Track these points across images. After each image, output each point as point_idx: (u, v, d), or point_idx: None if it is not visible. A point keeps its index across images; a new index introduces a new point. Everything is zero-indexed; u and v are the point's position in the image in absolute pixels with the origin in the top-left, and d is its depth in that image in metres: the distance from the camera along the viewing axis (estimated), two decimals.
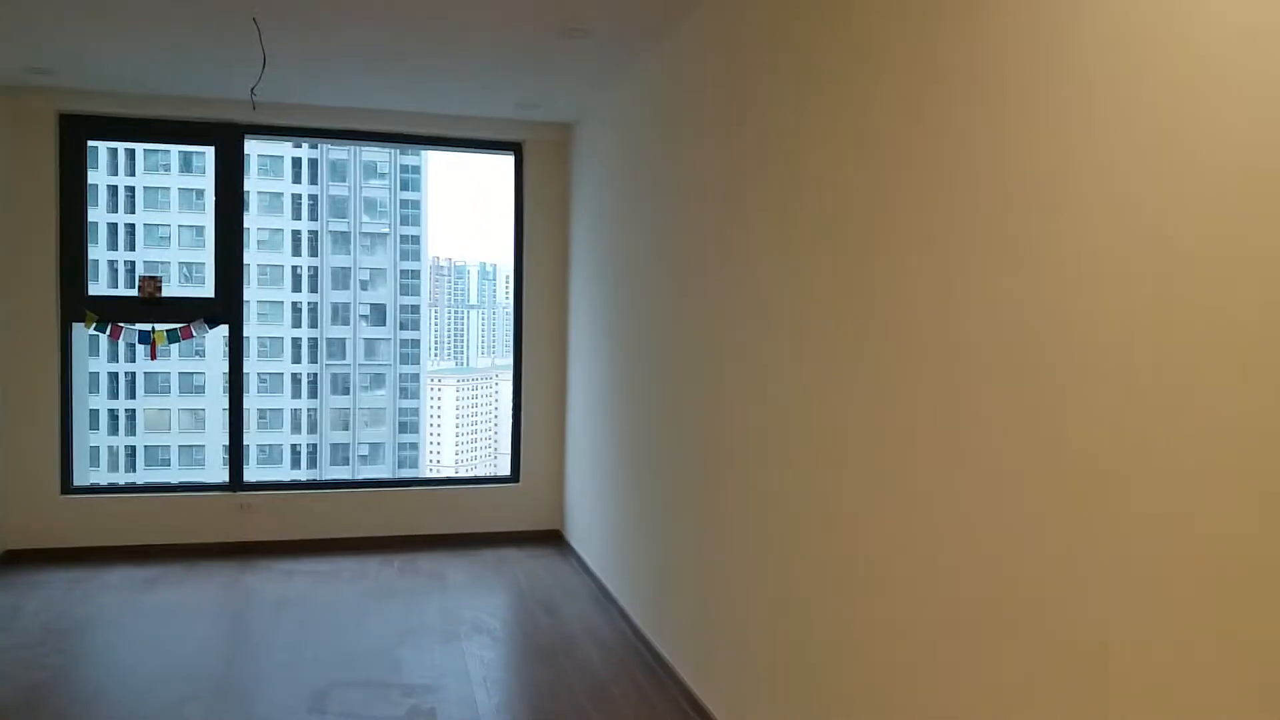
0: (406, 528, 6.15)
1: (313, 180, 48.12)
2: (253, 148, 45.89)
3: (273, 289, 46.39)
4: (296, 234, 47.54)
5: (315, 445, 47.47)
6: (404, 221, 51.08)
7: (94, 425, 42.86)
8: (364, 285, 49.67)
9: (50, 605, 4.82)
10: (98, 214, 42.25)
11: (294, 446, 46.63)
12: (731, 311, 3.36)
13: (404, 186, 51.14)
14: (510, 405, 6.42)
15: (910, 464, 2.22)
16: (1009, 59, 1.88)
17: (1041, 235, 1.78)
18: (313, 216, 48.04)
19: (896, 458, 2.28)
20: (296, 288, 47.30)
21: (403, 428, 50.62)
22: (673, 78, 4.04)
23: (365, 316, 49.61)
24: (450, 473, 57.02)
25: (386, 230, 50.37)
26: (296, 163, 47.57)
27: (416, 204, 51.65)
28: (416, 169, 51.60)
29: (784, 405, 2.93)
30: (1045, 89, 1.78)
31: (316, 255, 48.09)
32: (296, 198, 47.55)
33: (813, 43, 2.75)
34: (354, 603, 4.97)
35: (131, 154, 43.02)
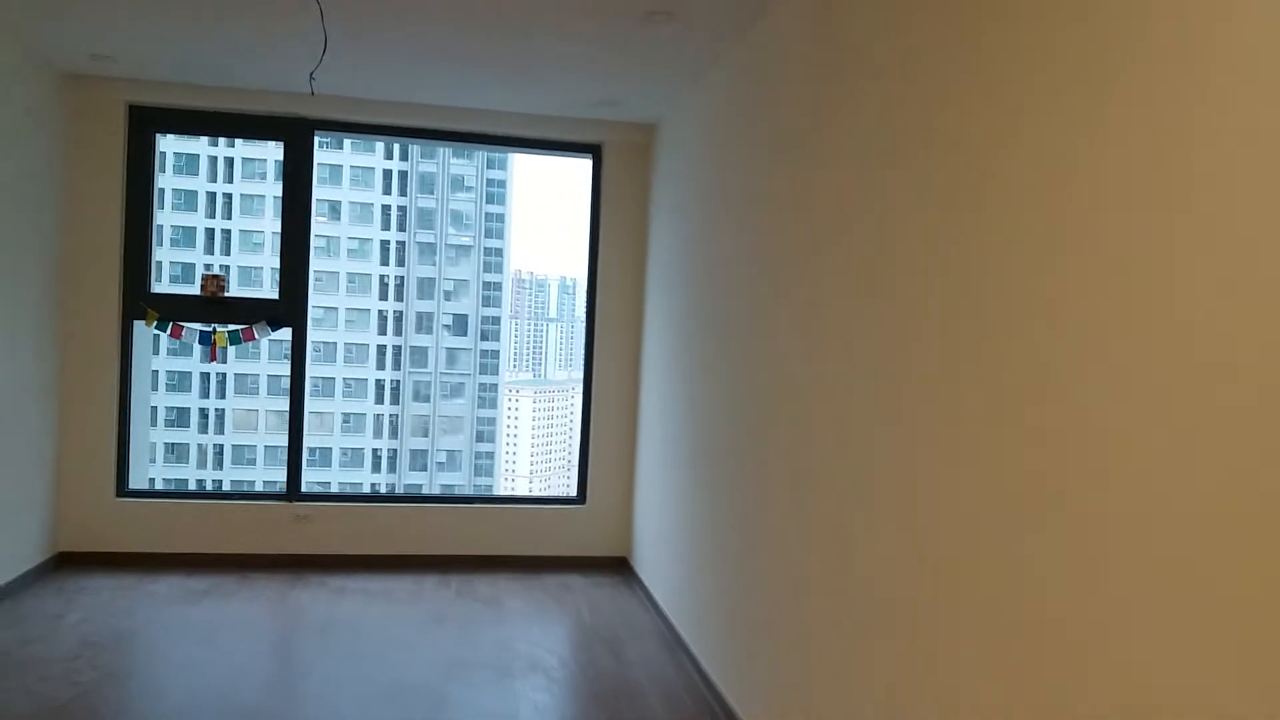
0: (466, 547, 5.83)
1: (402, 192, 49.02)
2: (345, 159, 47.08)
3: (361, 296, 47.31)
4: (385, 244, 48.46)
5: (395, 451, 48.10)
6: (488, 234, 51.70)
7: (184, 423, 44.39)
8: (448, 295, 50.39)
9: (93, 615, 4.60)
10: (196, 219, 43.56)
11: (375, 451, 47.32)
12: (835, 327, 2.93)
13: (489, 200, 51.75)
14: (580, 422, 6.06)
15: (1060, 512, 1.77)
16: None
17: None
18: (401, 227, 48.93)
19: (1040, 499, 1.83)
20: (383, 296, 48.17)
21: (479, 437, 51.04)
22: (768, 68, 3.63)
23: (448, 326, 50.29)
24: (525, 482, 57.18)
25: (471, 242, 50.98)
26: (387, 174, 48.53)
27: (501, 217, 52.19)
28: (502, 183, 52.15)
29: (901, 434, 2.49)
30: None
31: (403, 265, 48.92)
32: (386, 208, 48.48)
33: (949, 15, 2.32)
34: (405, 628, 4.64)
35: (230, 162, 44.32)
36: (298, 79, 5.07)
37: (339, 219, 46.72)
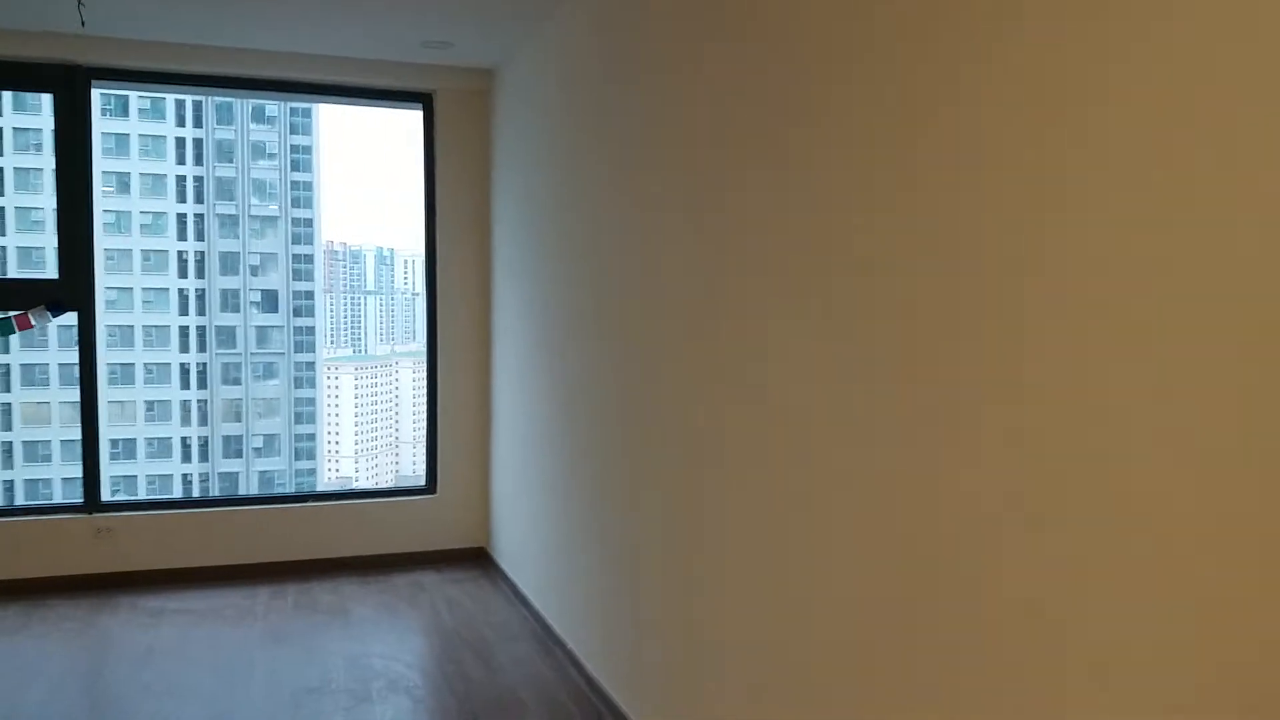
0: (301, 551, 5.22)
1: (198, 161, 45.66)
2: (131, 127, 43.31)
3: (158, 275, 43.92)
4: (182, 218, 45.09)
5: (207, 438, 45.22)
6: (295, 204, 49.04)
7: None
8: (254, 271, 47.55)
9: None
10: None
11: (184, 439, 44.30)
12: (722, 289, 2.59)
13: (295, 167, 49.02)
14: (425, 403, 5.52)
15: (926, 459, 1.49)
16: None
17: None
18: (199, 199, 45.65)
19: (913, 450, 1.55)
20: (183, 274, 44.90)
21: (298, 418, 48.68)
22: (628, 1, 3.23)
23: (256, 303, 47.49)
24: (350, 463, 54.92)
25: (277, 213, 48.20)
26: (180, 143, 45.04)
27: (309, 185, 49.56)
28: (308, 149, 49.43)
29: (792, 396, 2.17)
30: None
31: (204, 240, 45.72)
32: (181, 179, 45.04)
33: None
34: (238, 652, 4.04)
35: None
36: (67, 15, 4.26)
37: (128, 192, 43.08)
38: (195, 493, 42.27)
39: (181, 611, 4.55)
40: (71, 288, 4.83)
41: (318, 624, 4.42)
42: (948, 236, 1.72)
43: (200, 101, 45.18)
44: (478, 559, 5.45)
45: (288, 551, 5.19)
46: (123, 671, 3.86)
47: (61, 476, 37.95)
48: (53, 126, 4.78)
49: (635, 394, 3.24)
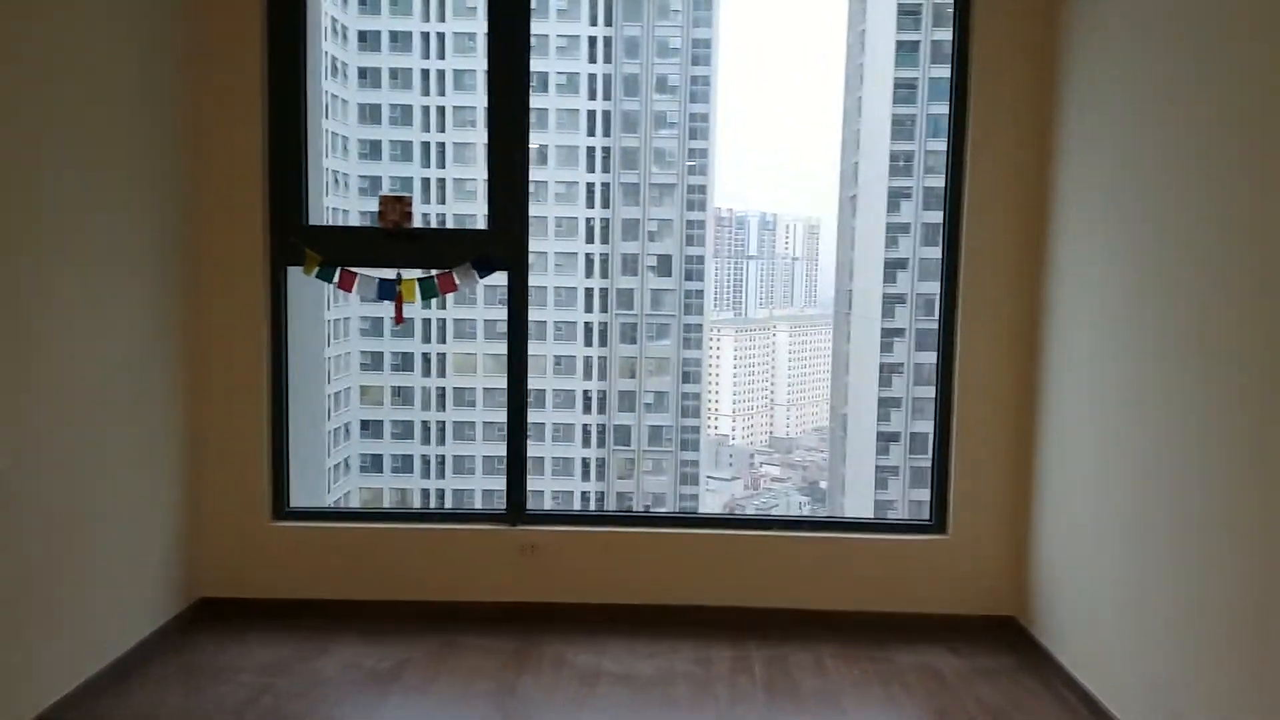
0: (766, 596, 3.87)
1: (606, 132, 47.95)
2: (550, 102, 46.24)
3: (568, 240, 46.90)
4: (590, 186, 47.71)
5: (605, 392, 47.78)
6: (691, 172, 50.05)
7: (409, 367, 45.64)
8: (651, 236, 49.27)
9: None
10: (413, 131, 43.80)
11: (585, 392, 47.10)
12: None
13: (693, 136, 49.92)
14: (936, 411, 3.93)
15: None
16: None
17: None
18: (605, 169, 48.05)
19: None
20: (589, 239, 47.58)
21: (684, 378, 49.96)
22: None
23: (652, 267, 49.18)
24: (728, 422, 55.30)
25: (674, 181, 49.44)
26: (591, 115, 47.51)
27: (704, 153, 50.28)
28: (705, 117, 50.02)
29: None
30: None
31: (608, 207, 48.08)
32: (590, 150, 47.56)
33: None
34: None
35: (441, 74, 44.25)
36: None
37: (545, 165, 46.29)
38: (593, 443, 44.72)
39: (620, 679, 3.36)
40: (502, 239, 3.79)
41: None
42: None
43: (609, 75, 47.26)
44: (1007, 634, 3.77)
45: (749, 595, 3.87)
46: None
47: (484, 420, 41.73)
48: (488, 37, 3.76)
49: None
